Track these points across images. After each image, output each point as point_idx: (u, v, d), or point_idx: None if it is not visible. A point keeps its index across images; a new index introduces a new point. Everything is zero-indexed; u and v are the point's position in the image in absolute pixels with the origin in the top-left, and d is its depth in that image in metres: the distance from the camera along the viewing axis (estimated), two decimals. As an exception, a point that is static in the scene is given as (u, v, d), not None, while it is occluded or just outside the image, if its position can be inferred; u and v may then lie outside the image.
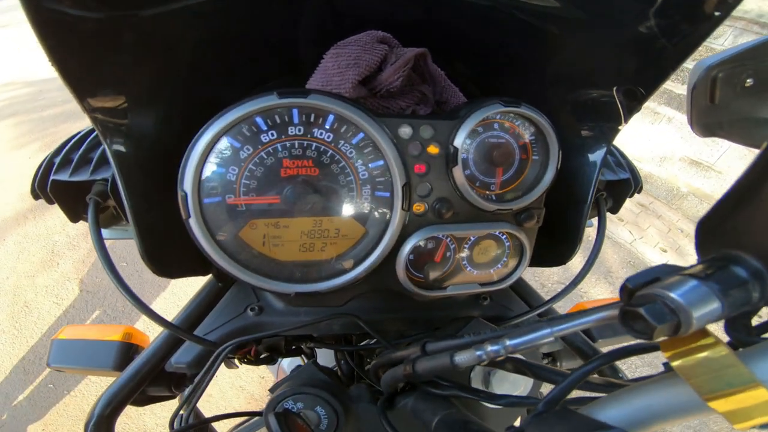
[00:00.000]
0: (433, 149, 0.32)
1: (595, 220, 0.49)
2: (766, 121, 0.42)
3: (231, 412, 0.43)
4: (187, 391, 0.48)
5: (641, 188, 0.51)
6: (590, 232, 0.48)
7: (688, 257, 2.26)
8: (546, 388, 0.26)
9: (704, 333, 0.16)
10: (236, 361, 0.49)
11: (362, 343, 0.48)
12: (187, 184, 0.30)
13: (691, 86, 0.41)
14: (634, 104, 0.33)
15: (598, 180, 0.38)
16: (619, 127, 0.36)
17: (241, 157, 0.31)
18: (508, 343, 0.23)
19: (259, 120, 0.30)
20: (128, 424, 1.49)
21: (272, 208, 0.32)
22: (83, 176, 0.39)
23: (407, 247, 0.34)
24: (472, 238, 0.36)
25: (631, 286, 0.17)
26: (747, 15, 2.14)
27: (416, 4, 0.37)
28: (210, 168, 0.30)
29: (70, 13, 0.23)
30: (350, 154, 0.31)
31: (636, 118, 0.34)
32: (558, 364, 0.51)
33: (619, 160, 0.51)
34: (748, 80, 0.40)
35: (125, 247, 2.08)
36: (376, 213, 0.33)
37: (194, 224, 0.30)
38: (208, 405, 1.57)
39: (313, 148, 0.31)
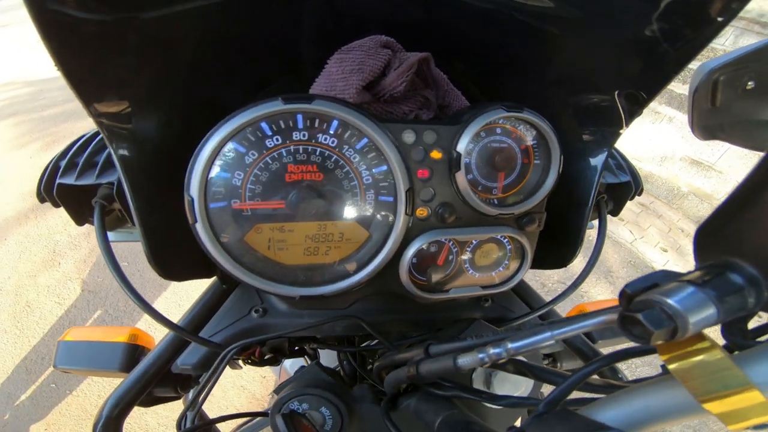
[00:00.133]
0: (436, 154, 0.33)
1: (595, 222, 0.49)
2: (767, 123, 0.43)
3: (234, 412, 0.43)
4: (192, 392, 0.49)
5: (642, 191, 0.51)
6: (591, 234, 0.48)
7: (689, 257, 2.26)
8: (547, 389, 0.27)
9: (700, 337, 0.17)
10: (240, 362, 0.50)
11: (365, 344, 0.49)
12: (194, 189, 0.30)
13: (693, 89, 0.42)
14: (635, 108, 0.33)
15: (599, 183, 0.38)
16: (621, 131, 0.36)
17: (246, 162, 0.31)
18: (509, 345, 0.24)
19: (264, 125, 0.30)
20: (130, 423, 1.50)
21: (277, 212, 0.32)
22: (89, 180, 0.40)
23: (410, 251, 0.35)
24: (474, 242, 0.37)
25: (630, 291, 0.17)
26: (748, 15, 2.14)
27: (416, 5, 0.37)
28: (216, 173, 0.31)
29: (73, 14, 0.23)
30: (354, 159, 0.32)
31: (637, 118, 0.35)
32: (558, 365, 0.51)
33: (620, 163, 0.51)
34: (749, 83, 0.40)
35: (126, 247, 2.08)
36: (379, 217, 0.34)
37: (201, 229, 0.31)
38: (210, 405, 1.58)
39: (317, 153, 0.31)
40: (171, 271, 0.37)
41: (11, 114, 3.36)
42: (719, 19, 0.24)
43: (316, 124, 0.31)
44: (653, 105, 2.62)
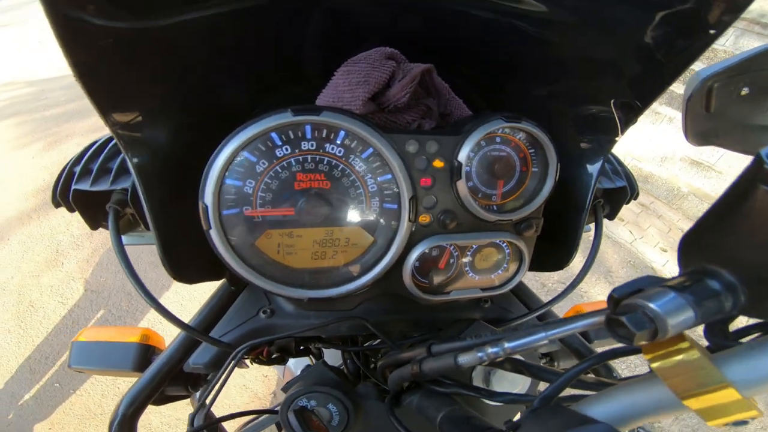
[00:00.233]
0: (438, 163, 0.34)
1: (593, 225, 0.51)
2: (762, 128, 0.44)
3: (236, 411, 0.45)
4: (200, 391, 0.51)
5: (637, 195, 0.53)
6: (589, 236, 0.50)
7: (687, 257, 2.27)
8: (544, 388, 0.28)
9: (681, 337, 0.18)
10: (247, 362, 0.52)
11: (368, 344, 0.50)
12: (208, 197, 0.32)
13: (687, 97, 0.43)
14: (630, 116, 0.35)
15: (596, 188, 0.40)
16: (616, 139, 0.37)
17: (257, 171, 0.32)
18: (506, 345, 0.25)
19: (274, 135, 0.32)
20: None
21: (287, 219, 0.34)
22: (103, 186, 0.41)
23: (414, 255, 0.36)
24: (474, 246, 0.39)
25: (617, 296, 0.19)
26: (748, 15, 2.15)
27: (418, 15, 0.38)
28: (228, 181, 0.32)
29: (92, 22, 0.24)
30: (360, 168, 0.33)
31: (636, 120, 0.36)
32: (556, 363, 0.53)
33: (616, 168, 0.53)
34: (744, 89, 0.41)
35: (129, 246, 2.09)
36: (384, 223, 0.35)
37: (214, 235, 0.32)
38: (214, 404, 1.60)
39: (325, 162, 0.33)
40: (183, 273, 0.39)
41: (13, 114, 3.37)
42: (711, 31, 0.26)
43: (324, 135, 0.32)
44: (654, 105, 2.61)
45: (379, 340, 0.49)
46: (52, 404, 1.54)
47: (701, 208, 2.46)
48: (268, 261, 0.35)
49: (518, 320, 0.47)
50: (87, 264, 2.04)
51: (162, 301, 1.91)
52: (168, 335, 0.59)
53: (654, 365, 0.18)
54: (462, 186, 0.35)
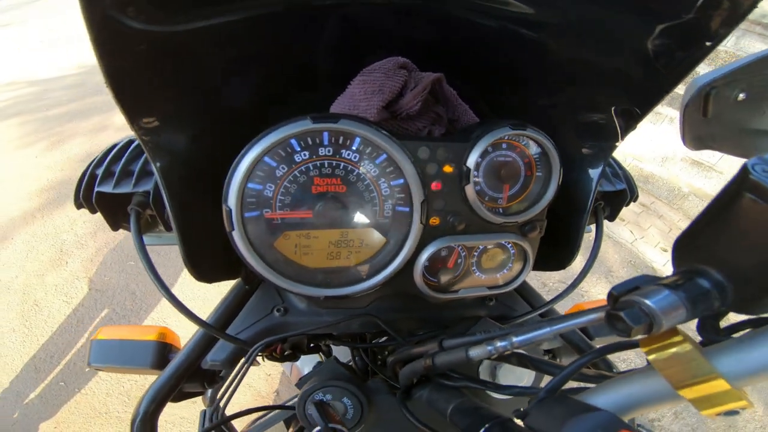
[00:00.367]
0: (448, 168, 0.36)
1: (593, 227, 0.53)
2: (758, 132, 0.46)
3: (250, 408, 0.46)
4: (210, 390, 0.52)
5: (636, 197, 0.55)
6: (590, 237, 0.52)
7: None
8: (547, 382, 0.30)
9: (675, 332, 0.20)
10: (259, 359, 0.53)
11: (377, 341, 0.52)
12: (231, 200, 0.33)
13: (684, 104, 0.44)
14: (630, 123, 0.36)
15: (596, 191, 0.42)
16: (617, 144, 0.39)
17: (277, 176, 0.34)
18: (514, 339, 0.27)
19: (293, 142, 0.34)
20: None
21: (304, 221, 0.35)
22: (126, 188, 0.43)
23: (424, 256, 0.38)
24: (481, 247, 0.40)
25: (616, 293, 0.21)
26: (750, 16, 2.16)
27: (428, 25, 0.40)
28: (250, 185, 0.34)
29: (130, 25, 0.24)
30: (374, 173, 0.35)
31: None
32: (558, 359, 0.55)
33: (616, 171, 0.55)
34: (741, 95, 0.43)
35: (133, 246, 2.11)
36: (396, 225, 0.37)
37: (237, 236, 0.34)
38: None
39: (341, 167, 0.35)
40: (203, 273, 0.41)
41: (15, 114, 3.38)
42: (707, 43, 0.27)
43: (341, 141, 0.34)
44: (654, 106, 2.63)
45: (385, 338, 0.51)
46: (57, 403, 1.55)
47: (702, 208, 2.47)
48: (284, 260, 0.37)
49: (522, 317, 0.49)
50: (91, 263, 2.05)
51: (161, 301, 1.92)
52: (178, 333, 0.61)
53: (650, 357, 0.20)
54: (470, 190, 0.37)
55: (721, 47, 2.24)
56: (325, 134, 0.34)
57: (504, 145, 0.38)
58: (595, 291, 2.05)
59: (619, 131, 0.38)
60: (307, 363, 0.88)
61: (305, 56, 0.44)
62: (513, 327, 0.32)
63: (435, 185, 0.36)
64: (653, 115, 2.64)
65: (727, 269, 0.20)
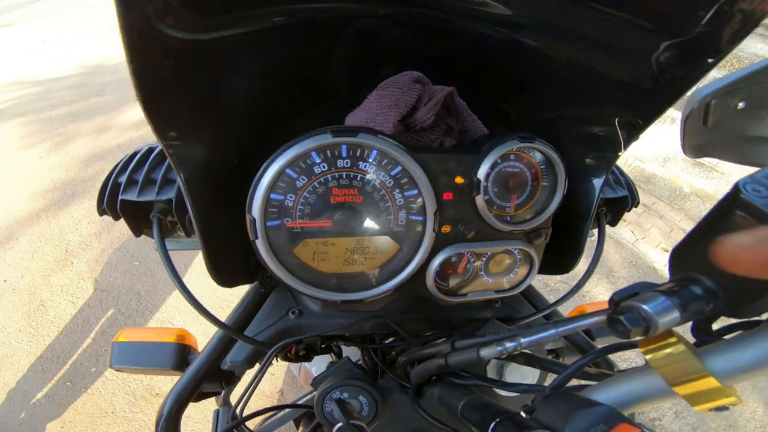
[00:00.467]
0: (459, 179, 0.38)
1: (596, 231, 0.55)
2: (757, 139, 0.47)
3: (262, 408, 0.48)
4: (223, 391, 0.54)
5: (637, 203, 0.57)
6: (592, 241, 0.54)
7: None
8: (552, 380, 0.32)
9: (670, 333, 0.22)
10: (274, 359, 0.55)
11: (387, 341, 0.54)
12: (255, 210, 0.35)
13: (685, 116, 0.46)
14: (632, 134, 0.37)
15: (599, 198, 0.44)
16: (619, 154, 0.41)
17: (297, 186, 0.36)
18: (522, 340, 0.29)
19: (313, 154, 0.36)
20: (144, 420, 1.54)
21: (323, 229, 0.37)
22: (149, 197, 0.45)
23: (436, 262, 0.41)
24: (489, 253, 0.43)
25: (617, 298, 0.23)
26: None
27: (436, 37, 0.42)
28: (272, 196, 0.36)
29: (167, 33, 0.24)
30: (389, 184, 0.37)
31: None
32: (561, 359, 0.57)
33: (618, 178, 0.57)
34: (740, 104, 0.44)
35: (138, 246, 2.13)
36: (409, 233, 0.39)
37: (260, 244, 0.36)
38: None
39: (358, 178, 0.37)
40: (224, 278, 0.42)
41: (19, 114, 3.39)
42: (713, 58, 0.28)
43: (358, 154, 0.36)
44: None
45: (392, 338, 0.53)
46: (63, 403, 1.56)
47: (703, 209, 2.49)
48: (302, 266, 0.39)
49: (527, 319, 0.51)
50: (96, 263, 2.07)
51: (172, 299, 1.94)
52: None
53: (648, 357, 0.22)
54: (480, 200, 0.39)
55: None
56: (344, 147, 0.36)
57: (512, 157, 0.40)
58: (597, 291, 2.07)
59: (622, 142, 0.39)
60: (314, 363, 0.91)
61: (319, 68, 0.46)
62: (520, 328, 0.34)
63: (447, 195, 0.39)
64: (654, 116, 2.64)
65: (718, 278, 0.22)
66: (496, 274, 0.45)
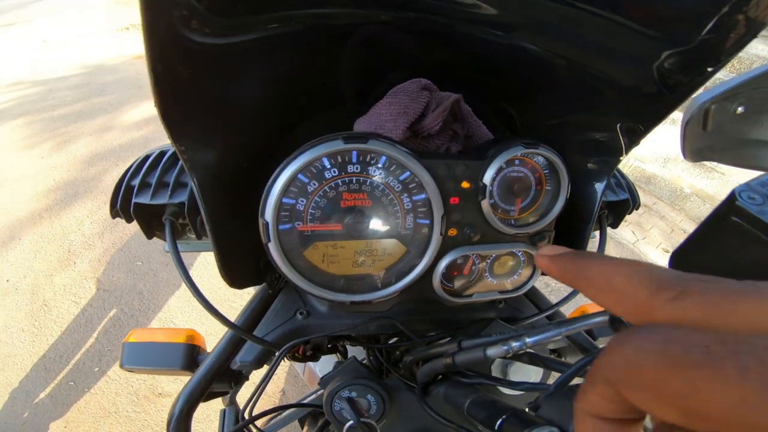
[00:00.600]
0: (465, 184, 0.39)
1: (597, 233, 0.56)
2: (756, 143, 0.48)
3: (269, 407, 0.49)
4: (230, 392, 0.54)
5: (638, 206, 0.58)
6: (593, 243, 0.55)
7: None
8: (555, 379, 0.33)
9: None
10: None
11: (391, 341, 0.55)
12: (268, 214, 0.36)
13: (685, 121, 0.47)
14: (634, 139, 0.38)
15: (601, 201, 0.45)
16: (621, 158, 0.42)
17: (308, 191, 0.37)
18: (527, 340, 0.30)
19: (324, 160, 0.37)
20: (147, 420, 1.55)
21: (333, 233, 0.39)
22: (162, 200, 0.46)
23: (442, 264, 0.42)
24: (494, 255, 0.44)
25: None
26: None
27: (440, 43, 0.43)
28: (284, 200, 0.37)
29: (191, 38, 0.24)
30: (397, 189, 0.38)
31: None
32: (563, 358, 0.59)
33: (619, 181, 0.58)
34: (739, 108, 0.45)
35: (140, 246, 2.14)
36: (417, 236, 0.40)
37: (273, 247, 0.37)
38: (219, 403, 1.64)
39: (367, 183, 0.38)
40: (235, 280, 0.44)
41: (21, 114, 3.39)
42: (709, 69, 0.29)
43: (368, 159, 0.37)
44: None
45: (396, 338, 0.54)
46: (67, 402, 1.57)
47: (704, 209, 2.49)
48: (312, 268, 0.40)
49: (530, 319, 0.52)
50: (99, 263, 2.08)
51: (174, 299, 1.95)
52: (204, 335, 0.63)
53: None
54: (485, 204, 0.40)
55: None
56: (354, 153, 0.37)
57: (517, 162, 0.41)
58: (596, 292, 2.08)
59: (623, 147, 0.40)
60: (318, 363, 0.92)
61: (326, 75, 0.47)
62: (524, 329, 0.35)
63: (453, 200, 0.40)
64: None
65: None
66: (500, 276, 0.46)
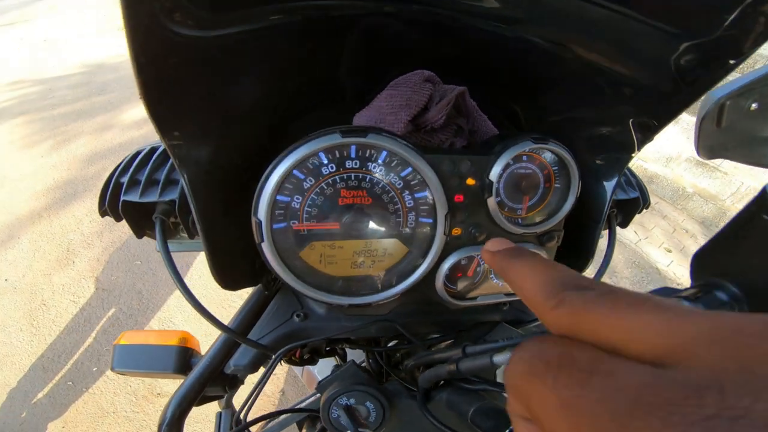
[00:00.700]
0: (470, 181, 0.37)
1: (606, 232, 0.54)
2: None
3: (266, 411, 0.47)
4: (226, 395, 0.53)
5: (648, 205, 0.56)
6: (602, 242, 0.53)
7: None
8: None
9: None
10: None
11: (391, 344, 0.54)
12: (261, 212, 0.35)
13: (700, 118, 0.45)
14: (647, 135, 0.36)
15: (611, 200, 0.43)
16: (633, 155, 0.40)
17: (304, 188, 0.35)
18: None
19: (321, 155, 0.35)
20: (145, 420, 1.54)
21: (331, 232, 0.37)
22: (152, 198, 0.44)
23: (446, 265, 0.40)
24: (500, 256, 0.42)
25: None
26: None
27: (445, 35, 0.41)
28: (278, 197, 0.35)
29: (175, 31, 0.24)
30: (399, 186, 0.36)
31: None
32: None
33: (629, 179, 0.56)
34: (753, 105, 0.44)
35: (139, 245, 2.13)
36: (419, 236, 0.38)
37: (266, 247, 0.35)
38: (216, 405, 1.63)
39: (367, 179, 0.36)
40: (228, 281, 0.42)
41: (21, 113, 3.38)
42: (731, 61, 0.27)
43: (368, 154, 0.35)
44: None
45: (395, 341, 0.52)
46: (65, 402, 1.56)
47: (706, 209, 2.48)
48: (308, 269, 0.38)
49: (536, 322, 0.50)
50: (98, 263, 2.07)
51: (173, 299, 1.93)
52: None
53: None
54: (492, 202, 0.38)
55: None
56: (353, 147, 0.35)
57: (525, 158, 0.39)
58: (599, 292, 2.06)
59: (635, 143, 0.38)
60: (317, 365, 0.90)
61: (325, 69, 0.45)
62: (532, 332, 0.33)
63: (458, 197, 0.38)
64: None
65: (744, 284, 0.21)
66: (506, 278, 0.44)
